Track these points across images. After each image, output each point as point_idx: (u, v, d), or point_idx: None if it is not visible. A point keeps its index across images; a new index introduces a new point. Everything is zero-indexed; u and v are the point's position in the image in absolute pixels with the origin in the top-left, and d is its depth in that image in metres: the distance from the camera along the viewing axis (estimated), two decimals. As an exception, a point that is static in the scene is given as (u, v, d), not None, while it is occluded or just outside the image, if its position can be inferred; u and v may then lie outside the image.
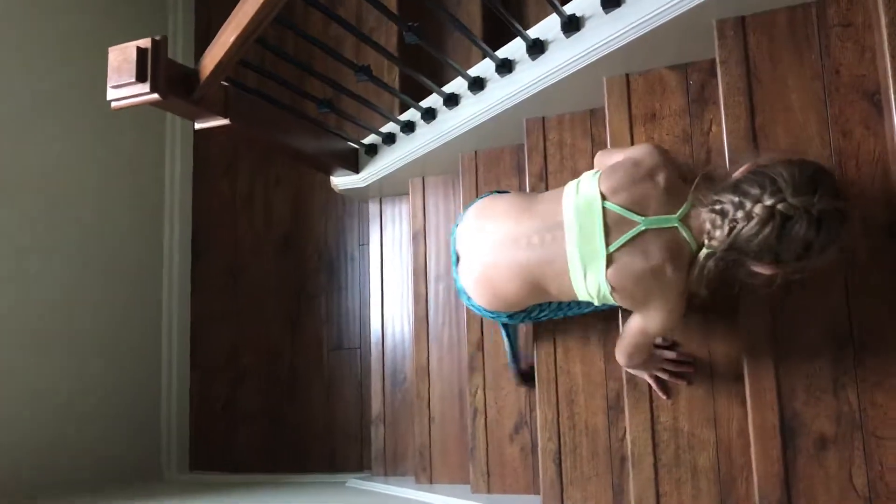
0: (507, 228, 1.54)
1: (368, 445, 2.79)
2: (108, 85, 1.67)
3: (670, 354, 1.62)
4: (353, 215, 3.09)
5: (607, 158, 1.56)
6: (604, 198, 1.41)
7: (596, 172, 1.49)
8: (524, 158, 2.16)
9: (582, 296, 1.47)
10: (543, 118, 2.07)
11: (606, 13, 1.66)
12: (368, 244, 2.90)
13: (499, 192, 1.79)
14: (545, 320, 1.81)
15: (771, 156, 1.29)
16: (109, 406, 2.94)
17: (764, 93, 1.55)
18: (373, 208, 2.85)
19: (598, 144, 2.00)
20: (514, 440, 2.16)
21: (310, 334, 3.13)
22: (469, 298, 1.68)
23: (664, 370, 1.61)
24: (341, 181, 2.65)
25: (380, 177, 2.55)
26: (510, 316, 1.70)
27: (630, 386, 1.71)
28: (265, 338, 3.21)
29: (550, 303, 1.66)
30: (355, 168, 2.59)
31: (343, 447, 3.00)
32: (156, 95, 1.67)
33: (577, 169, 2.02)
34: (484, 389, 2.22)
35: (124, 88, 1.68)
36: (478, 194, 2.28)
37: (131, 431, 3.04)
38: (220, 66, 1.70)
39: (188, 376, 3.29)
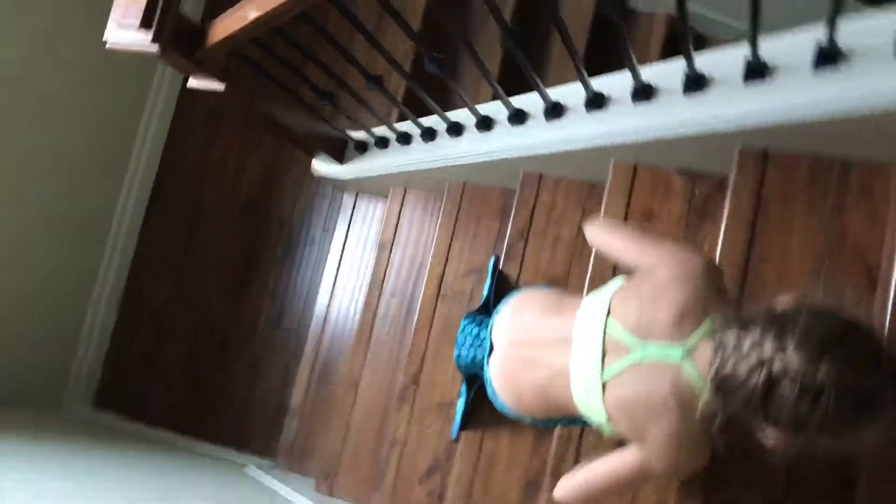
0: (535, 331, 1.43)
1: (279, 432, 2.73)
2: (110, 17, 1.57)
3: None
4: (325, 198, 2.99)
5: (634, 247, 1.34)
6: (609, 313, 1.23)
7: (622, 277, 1.31)
8: (511, 205, 2.10)
9: (589, 418, 1.28)
10: (541, 175, 2.01)
11: (634, 104, 1.60)
12: (333, 232, 2.83)
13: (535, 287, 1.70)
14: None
15: (810, 299, 1.08)
16: (29, 322, 2.83)
17: (767, 229, 1.51)
18: (347, 200, 2.77)
19: (587, 218, 1.94)
20: (424, 483, 2.12)
21: (251, 304, 3.04)
22: (495, 394, 1.52)
23: None
24: (323, 167, 2.56)
25: (363, 176, 2.46)
26: (534, 422, 1.52)
27: (554, 474, 1.67)
28: (203, 296, 3.11)
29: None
30: (340, 159, 2.50)
31: (253, 427, 2.93)
32: (156, 48, 1.58)
33: (559, 236, 1.97)
34: (409, 422, 2.17)
35: (124, 32, 1.58)
36: (457, 223, 2.23)
37: (43, 353, 2.92)
38: (230, 39, 1.61)
39: (115, 315, 3.17)
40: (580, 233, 1.93)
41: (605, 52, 2.31)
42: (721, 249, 1.55)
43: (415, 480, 2.14)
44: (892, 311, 1.36)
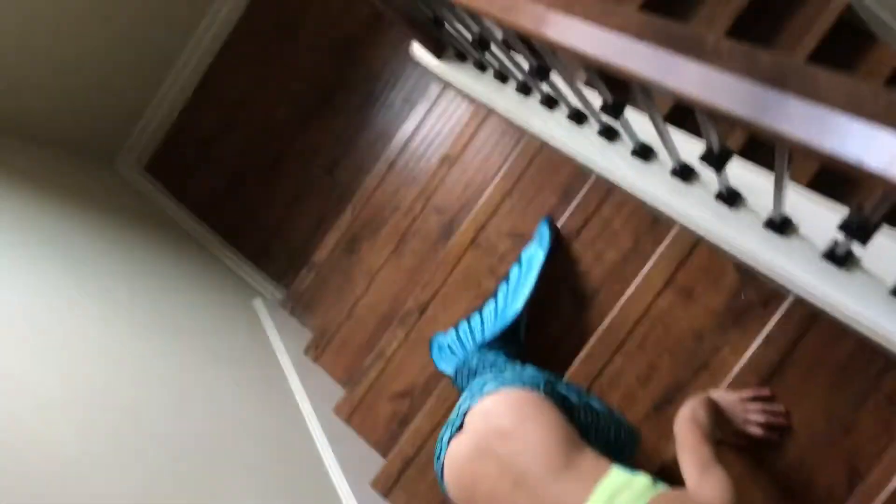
0: (529, 474, 1.16)
1: (298, 268, 2.84)
2: None
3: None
4: (417, 73, 2.88)
5: (698, 462, 1.18)
6: None
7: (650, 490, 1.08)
8: (576, 188, 2.03)
9: None
10: (611, 189, 1.92)
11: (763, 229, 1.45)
12: (411, 111, 2.75)
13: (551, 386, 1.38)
14: None
15: None
16: (105, 78, 2.88)
17: (779, 383, 1.47)
18: (434, 89, 2.67)
19: (636, 252, 1.88)
20: (392, 403, 2.25)
21: (313, 139, 3.04)
22: (442, 477, 1.35)
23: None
24: (420, 52, 2.44)
25: (453, 81, 2.36)
26: None
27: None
28: (273, 110, 3.11)
29: None
30: (439, 55, 2.38)
31: (277, 252, 3.05)
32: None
33: (602, 255, 1.92)
34: (401, 344, 2.26)
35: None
36: (518, 181, 2.17)
37: (113, 107, 3.01)
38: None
39: (188, 95, 3.21)
40: (622, 260, 1.89)
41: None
42: (735, 371, 1.51)
43: (386, 396, 2.26)
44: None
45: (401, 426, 2.22)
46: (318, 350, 2.54)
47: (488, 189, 2.23)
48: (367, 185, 2.73)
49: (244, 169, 3.15)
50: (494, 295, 1.94)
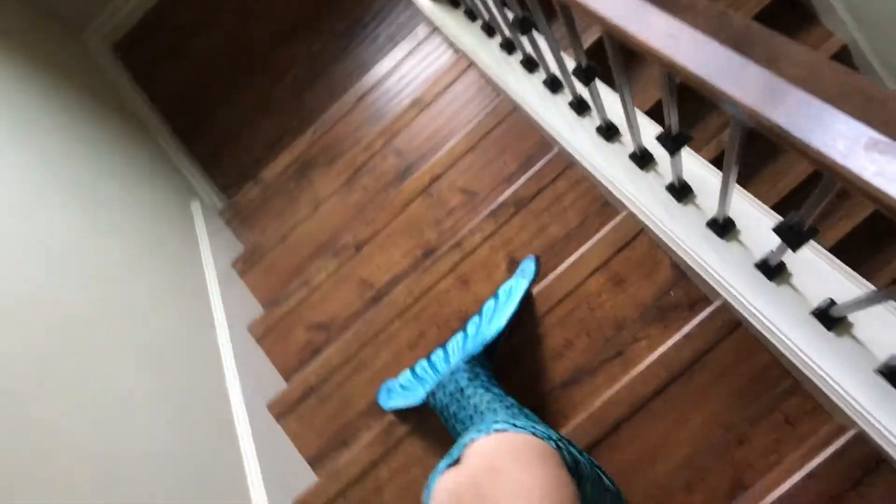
0: None
1: (245, 182, 2.76)
2: None
3: None
4: (412, 11, 2.80)
5: None
6: None
7: None
8: (538, 159, 1.99)
9: None
10: (571, 164, 1.89)
11: (719, 236, 1.43)
12: (393, 48, 2.69)
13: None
14: None
15: None
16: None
17: (686, 383, 1.46)
18: (421, 32, 2.60)
19: (580, 231, 1.86)
20: (309, 332, 2.21)
21: (289, 55, 2.97)
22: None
23: None
24: (413, -12, 2.38)
25: (440, 24, 2.31)
26: None
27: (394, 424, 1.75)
28: (257, 19, 3.02)
29: None
30: (431, -6, 2.32)
31: (228, 162, 2.97)
32: None
33: (546, 228, 1.89)
34: (329, 276, 2.22)
35: None
36: (483, 139, 2.14)
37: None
38: None
39: (172, -18, 3.09)
40: (565, 237, 1.87)
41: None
42: (638, 377, 1.50)
43: (304, 324, 2.22)
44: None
45: (312, 356, 2.18)
46: (246, 265, 2.48)
47: (452, 141, 2.19)
48: (333, 113, 2.66)
49: (214, 71, 3.06)
50: (463, 330, 1.78)
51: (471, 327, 1.75)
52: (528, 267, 1.75)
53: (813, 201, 0.83)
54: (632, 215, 1.66)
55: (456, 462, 1.14)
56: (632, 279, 1.66)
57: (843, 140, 0.62)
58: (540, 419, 1.44)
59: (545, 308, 1.70)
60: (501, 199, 1.95)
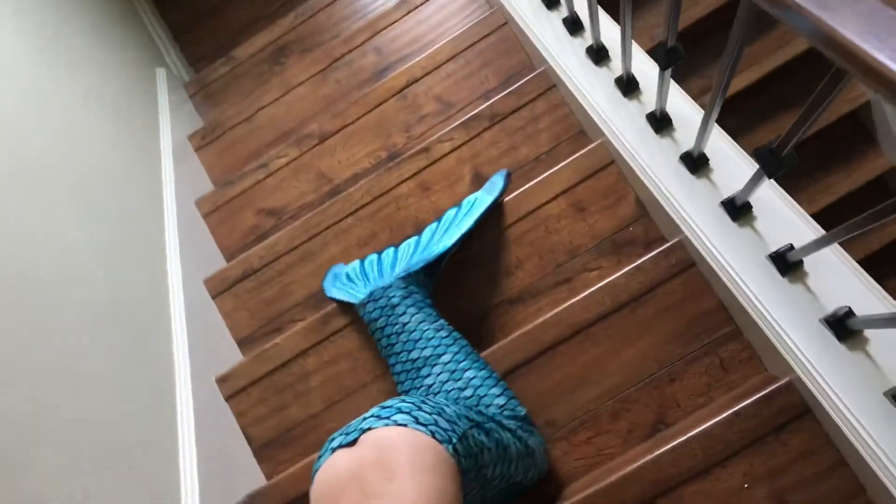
0: None
1: (216, 59, 2.65)
2: None
3: None
4: None
5: None
6: None
7: None
8: (517, 79, 1.94)
9: None
10: (554, 86, 1.84)
11: (690, 171, 1.43)
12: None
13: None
14: None
15: None
16: None
17: (629, 314, 1.45)
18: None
19: (550, 156, 1.82)
20: (258, 216, 2.15)
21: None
22: (313, 482, 1.10)
23: None
24: None
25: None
26: None
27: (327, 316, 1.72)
28: None
29: None
30: None
31: (202, 34, 2.85)
32: None
33: (516, 147, 1.85)
34: (288, 164, 2.15)
35: None
36: (468, 49, 2.07)
37: None
38: None
39: None
40: (534, 160, 1.83)
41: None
42: (581, 301, 1.48)
43: (254, 208, 2.16)
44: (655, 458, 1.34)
45: (256, 241, 2.12)
46: (203, 140, 2.39)
47: (435, 46, 2.11)
48: (318, 0, 2.55)
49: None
50: (418, 235, 1.75)
51: (426, 234, 1.71)
52: (496, 182, 1.71)
53: (799, 121, 0.80)
54: (605, 144, 1.63)
55: (352, 444, 1.10)
56: (593, 209, 1.63)
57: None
58: (471, 347, 1.42)
59: (502, 224, 1.66)
60: (476, 111, 1.89)
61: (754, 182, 1.03)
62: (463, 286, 1.66)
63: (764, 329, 1.17)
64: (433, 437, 1.07)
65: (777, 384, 1.20)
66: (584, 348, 1.44)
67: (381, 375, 1.67)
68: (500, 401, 1.32)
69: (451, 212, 1.74)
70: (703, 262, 1.35)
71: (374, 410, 1.15)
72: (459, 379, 1.34)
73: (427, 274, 1.59)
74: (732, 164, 1.33)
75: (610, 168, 1.63)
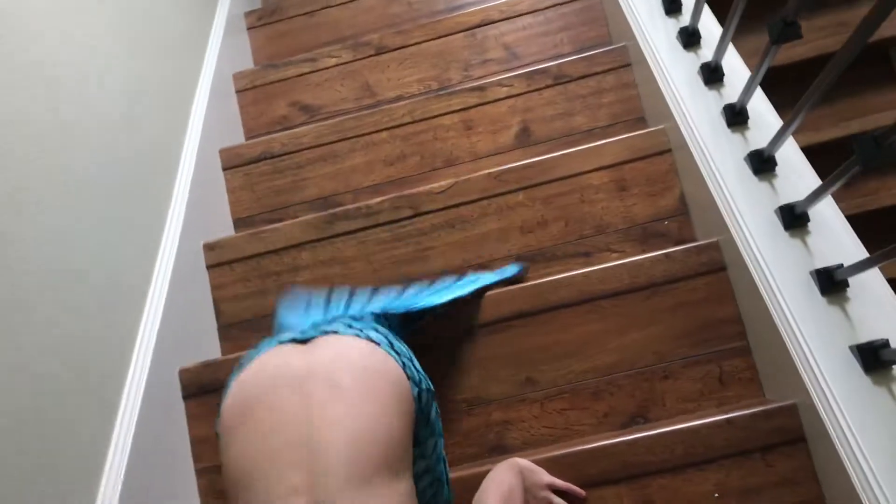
0: (330, 448, 0.83)
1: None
2: None
3: None
4: None
5: None
6: None
7: None
8: (589, 40, 1.87)
9: None
10: (629, 65, 1.77)
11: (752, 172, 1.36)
12: None
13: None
14: None
15: None
16: None
17: (643, 300, 1.38)
18: None
19: (607, 133, 1.76)
20: (291, 108, 2.07)
21: None
22: (233, 378, 0.98)
23: None
24: None
25: None
26: None
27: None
28: None
29: None
30: None
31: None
32: None
33: (572, 115, 1.78)
34: (338, 65, 2.07)
35: None
36: (553, 7, 2.00)
37: None
38: None
39: None
40: (587, 131, 1.76)
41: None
42: (599, 271, 1.41)
43: (289, 98, 2.09)
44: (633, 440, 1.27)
45: (282, 130, 2.05)
46: (259, 21, 2.32)
47: (520, -6, 2.04)
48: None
49: None
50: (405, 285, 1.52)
51: (411, 290, 1.45)
52: (509, 270, 1.53)
53: None
54: (667, 131, 1.56)
55: (304, 342, 0.98)
56: (635, 191, 1.57)
57: None
58: None
59: (540, 179, 1.59)
60: (545, 65, 1.82)
61: (839, 176, 0.96)
62: (476, 227, 1.59)
63: (788, 344, 1.10)
64: (404, 370, 0.94)
65: (779, 404, 1.14)
66: (587, 319, 1.37)
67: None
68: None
69: (449, 280, 1.51)
70: (736, 267, 1.28)
71: (345, 318, 1.05)
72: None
73: (401, 325, 1.31)
74: (798, 173, 1.26)
75: (665, 156, 1.57)
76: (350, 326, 1.03)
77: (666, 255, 1.37)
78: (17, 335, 1.04)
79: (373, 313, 1.21)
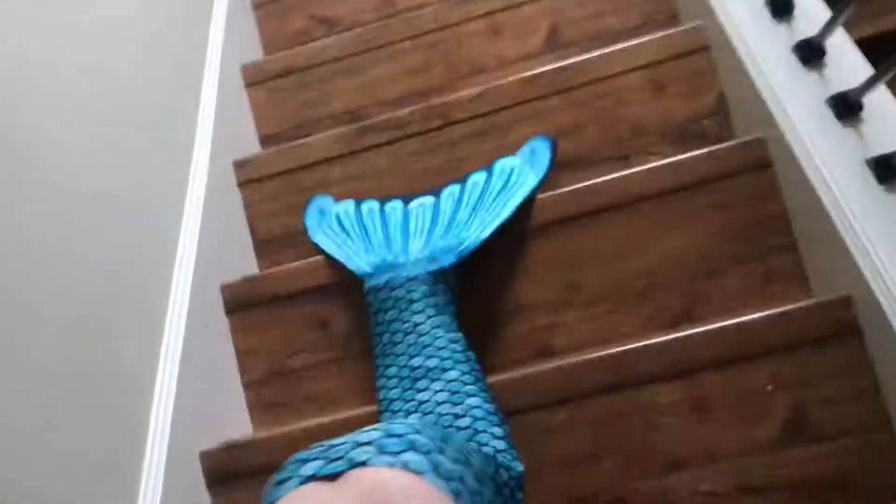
0: None
1: None
2: None
3: None
4: None
5: None
6: None
7: None
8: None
9: None
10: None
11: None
12: None
13: None
14: None
15: None
16: None
17: (685, 198, 1.35)
18: None
19: (641, 29, 1.70)
20: (310, 21, 2.02)
21: None
22: None
23: None
24: None
25: None
26: None
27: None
28: None
29: None
30: None
31: None
32: None
33: (602, 19, 1.73)
34: None
35: None
36: None
37: None
38: None
39: None
40: (618, 29, 1.71)
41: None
42: (641, 172, 1.38)
43: (307, 12, 2.04)
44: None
45: (301, 45, 1.99)
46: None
47: None
48: None
49: None
50: (436, 195, 1.43)
51: (446, 200, 1.40)
52: (539, 151, 1.43)
53: None
54: (704, 28, 1.51)
55: (333, 477, 0.77)
56: (672, 91, 1.53)
57: None
58: (482, 372, 1.16)
59: (573, 82, 1.55)
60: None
61: (871, 83, 0.92)
62: (510, 136, 1.56)
63: (845, 237, 1.08)
64: (457, 500, 0.74)
65: (833, 296, 1.13)
66: (629, 221, 1.35)
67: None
68: (500, 444, 1.04)
69: (479, 177, 1.43)
70: (784, 163, 1.25)
71: (376, 434, 0.81)
72: (460, 404, 1.06)
73: (455, 268, 1.27)
74: (849, 62, 1.22)
75: (701, 54, 1.52)
76: (383, 451, 0.79)
77: (710, 152, 1.34)
78: (62, 259, 1.03)
79: (430, 273, 1.20)
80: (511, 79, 1.55)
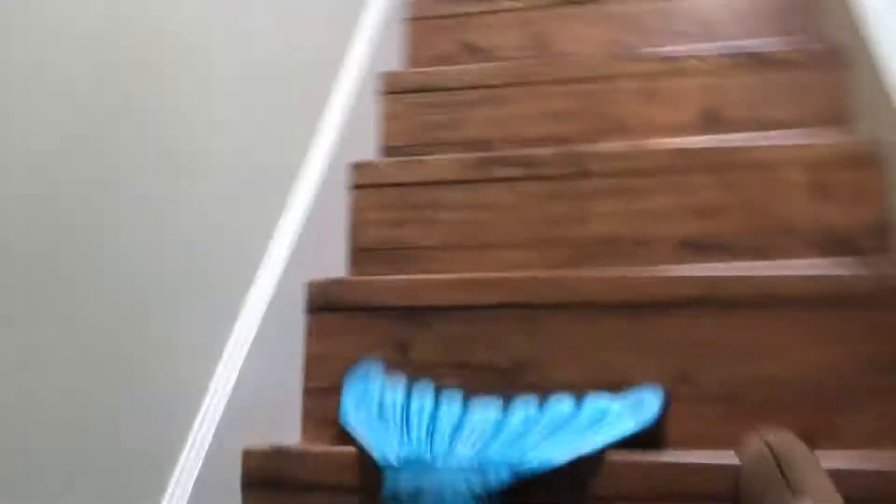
0: None
1: None
2: None
3: None
4: None
5: None
6: None
7: None
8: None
9: None
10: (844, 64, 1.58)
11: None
12: None
13: None
14: None
15: None
16: None
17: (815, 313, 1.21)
18: None
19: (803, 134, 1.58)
20: (458, 46, 1.97)
21: None
22: None
23: None
24: None
25: None
26: None
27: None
28: None
29: None
30: None
31: None
32: None
33: (765, 105, 1.61)
34: (511, 11, 1.95)
35: None
36: None
37: None
38: None
39: None
40: (779, 125, 1.59)
41: None
42: (786, 275, 1.25)
43: (459, 39, 1.98)
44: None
45: (444, 65, 1.94)
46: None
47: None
48: None
49: None
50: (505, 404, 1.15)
51: (517, 413, 1.12)
52: (647, 404, 1.14)
53: None
54: (879, 142, 1.38)
55: None
56: (833, 198, 1.40)
57: None
58: None
59: (724, 162, 1.43)
60: (744, 44, 1.66)
61: None
62: (642, 203, 1.44)
63: None
64: None
65: None
66: (764, 321, 1.21)
67: (515, 245, 1.47)
68: None
69: (565, 406, 1.14)
70: None
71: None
72: None
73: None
74: None
75: (874, 168, 1.39)
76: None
77: (872, 272, 1.19)
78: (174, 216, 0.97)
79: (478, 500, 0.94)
80: (661, 142, 1.45)
